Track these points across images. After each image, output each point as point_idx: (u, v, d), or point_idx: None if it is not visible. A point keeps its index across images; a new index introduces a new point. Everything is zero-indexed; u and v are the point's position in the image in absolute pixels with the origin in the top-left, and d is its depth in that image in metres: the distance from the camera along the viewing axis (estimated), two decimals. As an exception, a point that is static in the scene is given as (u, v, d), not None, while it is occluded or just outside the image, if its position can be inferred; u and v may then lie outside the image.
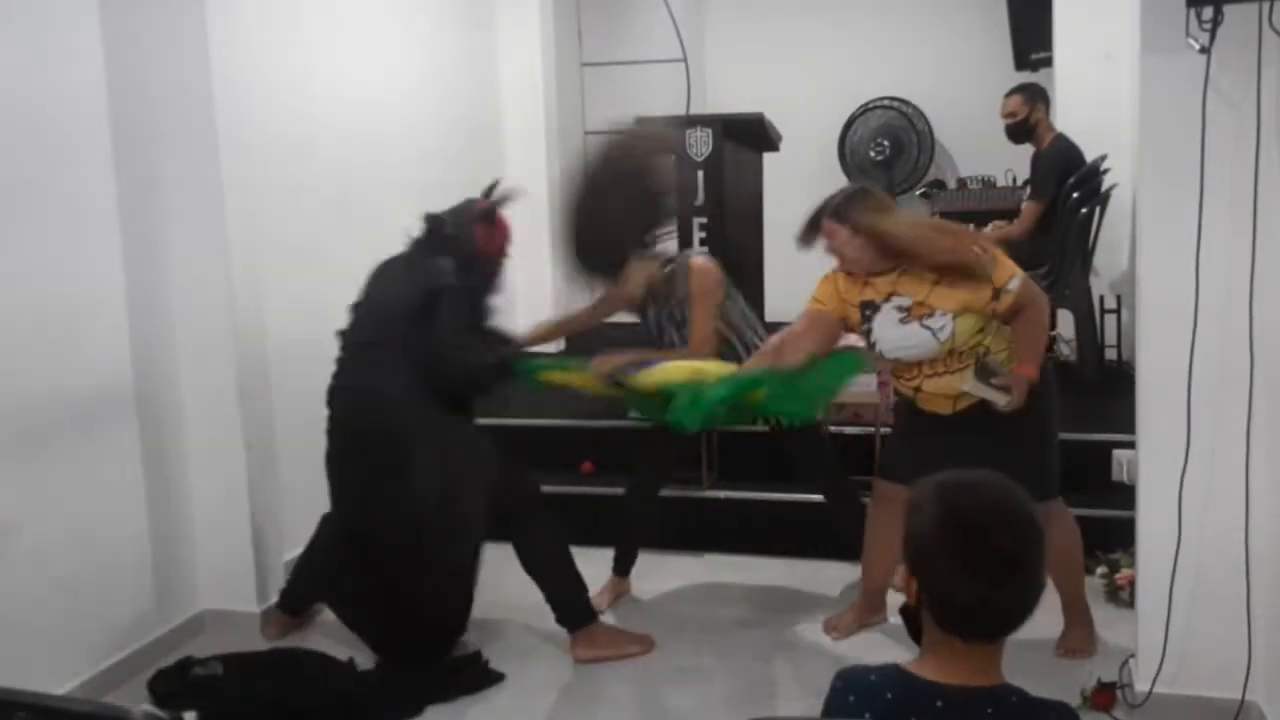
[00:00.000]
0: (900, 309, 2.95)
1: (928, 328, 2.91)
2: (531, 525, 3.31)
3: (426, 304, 3.16)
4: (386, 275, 3.32)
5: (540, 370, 3.57)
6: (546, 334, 3.87)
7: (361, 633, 3.36)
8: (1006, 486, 1.41)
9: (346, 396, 3.26)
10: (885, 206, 3.02)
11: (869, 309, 3.00)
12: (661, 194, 3.48)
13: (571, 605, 3.33)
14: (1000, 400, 2.88)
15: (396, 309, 3.20)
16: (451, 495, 3.16)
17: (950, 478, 1.43)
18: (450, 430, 3.23)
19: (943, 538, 1.37)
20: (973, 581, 1.36)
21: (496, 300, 3.40)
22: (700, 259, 3.61)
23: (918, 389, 3.04)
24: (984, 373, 2.89)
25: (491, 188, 3.44)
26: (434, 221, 3.32)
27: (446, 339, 3.16)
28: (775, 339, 3.18)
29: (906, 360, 3.00)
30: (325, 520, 3.45)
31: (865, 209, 2.95)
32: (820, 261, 3.13)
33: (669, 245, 3.69)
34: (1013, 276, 2.90)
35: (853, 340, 3.16)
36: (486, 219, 3.34)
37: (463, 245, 3.27)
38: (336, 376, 3.29)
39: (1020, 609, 1.39)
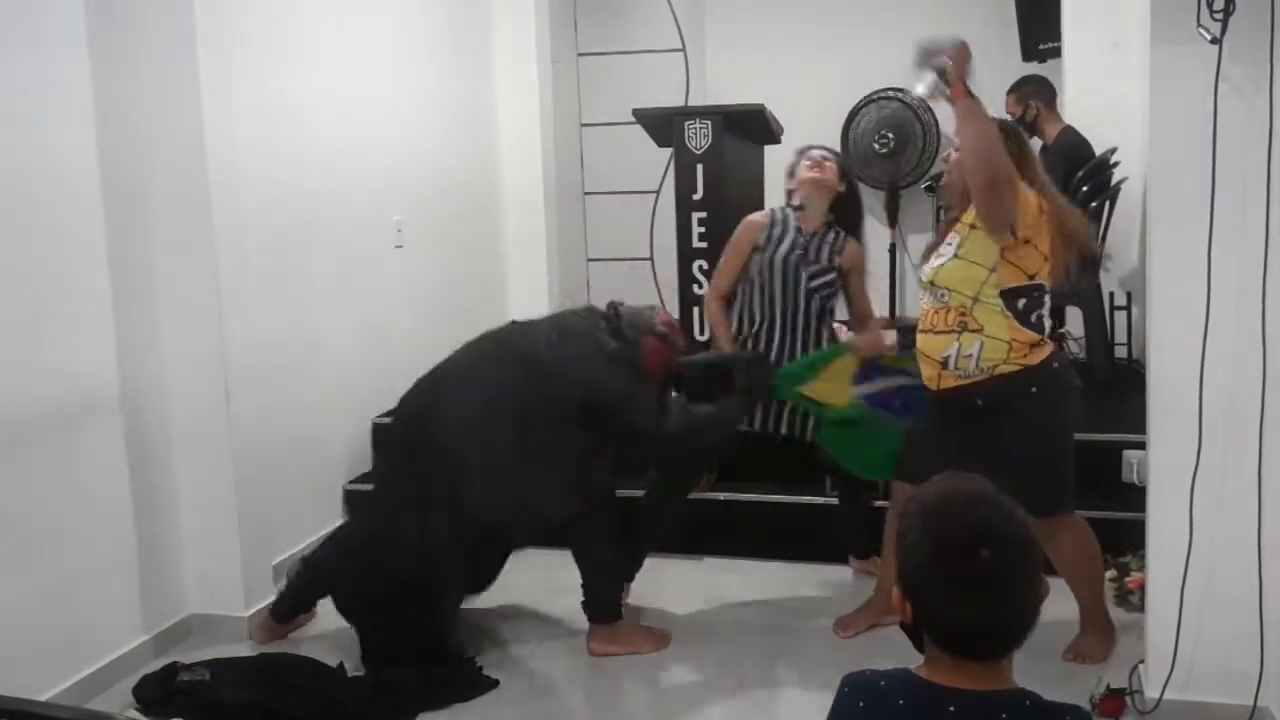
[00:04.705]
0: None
1: (943, 254, 2.95)
2: (598, 516, 3.27)
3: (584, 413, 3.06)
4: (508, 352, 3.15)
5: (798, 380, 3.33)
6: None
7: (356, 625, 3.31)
8: (994, 503, 1.39)
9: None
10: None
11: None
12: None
13: (605, 600, 3.34)
14: (938, 76, 2.70)
15: (543, 406, 3.05)
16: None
17: (935, 500, 1.40)
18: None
19: (929, 565, 1.36)
20: (963, 608, 1.35)
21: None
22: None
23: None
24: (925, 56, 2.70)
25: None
26: (610, 315, 3.17)
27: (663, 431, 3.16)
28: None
29: (924, 279, 3.01)
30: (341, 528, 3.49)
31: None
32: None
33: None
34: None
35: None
36: (664, 338, 3.18)
37: (629, 354, 3.11)
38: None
39: (1018, 627, 1.36)
